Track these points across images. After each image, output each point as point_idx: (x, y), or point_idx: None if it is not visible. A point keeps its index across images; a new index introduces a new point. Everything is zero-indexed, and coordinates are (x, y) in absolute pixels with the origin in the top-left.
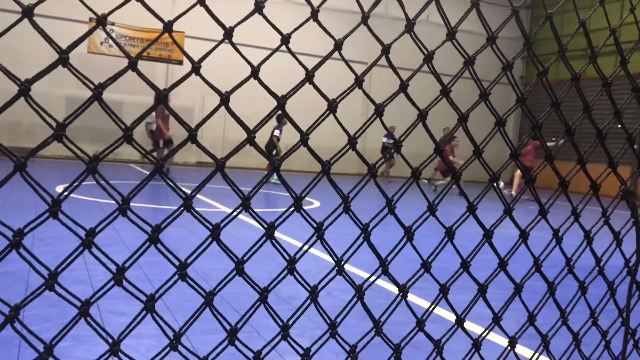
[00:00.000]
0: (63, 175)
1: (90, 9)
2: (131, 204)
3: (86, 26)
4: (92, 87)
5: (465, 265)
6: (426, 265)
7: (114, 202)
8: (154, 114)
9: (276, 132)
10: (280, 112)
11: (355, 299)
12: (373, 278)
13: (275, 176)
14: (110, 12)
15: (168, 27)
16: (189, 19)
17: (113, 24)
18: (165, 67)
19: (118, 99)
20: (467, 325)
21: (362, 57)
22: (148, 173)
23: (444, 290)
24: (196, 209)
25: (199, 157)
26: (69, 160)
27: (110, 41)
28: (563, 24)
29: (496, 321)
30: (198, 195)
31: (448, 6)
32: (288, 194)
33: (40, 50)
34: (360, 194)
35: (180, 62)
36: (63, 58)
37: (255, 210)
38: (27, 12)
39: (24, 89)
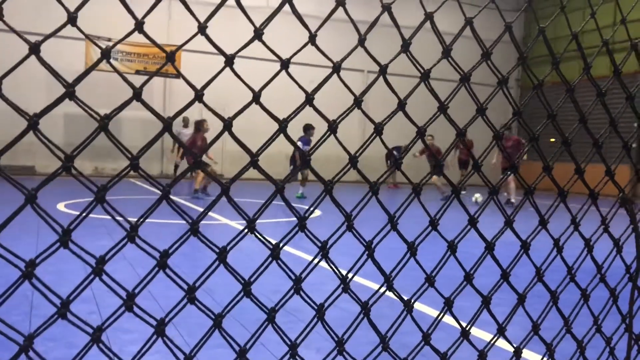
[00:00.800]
0: (64, 193)
1: (97, 44)
2: (133, 218)
3: (77, 42)
4: (98, 118)
5: (468, 278)
6: (430, 280)
7: (117, 219)
8: (190, 135)
9: (299, 145)
10: (307, 123)
11: (361, 316)
12: (378, 294)
13: (299, 190)
14: (115, 45)
15: (170, 57)
16: (185, 32)
17: (109, 39)
18: (162, 81)
19: (120, 115)
20: (473, 331)
21: (358, 64)
22: (144, 186)
23: (448, 303)
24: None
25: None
26: (69, 177)
27: None
28: (556, 27)
29: (501, 332)
30: (200, 208)
31: (441, 12)
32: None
33: (33, 72)
34: (362, 204)
35: (177, 76)
36: (70, 92)
37: (258, 220)
38: (34, 49)
39: (33, 123)
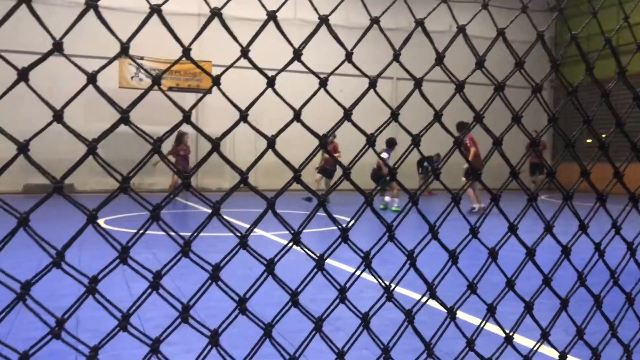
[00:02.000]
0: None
1: (146, 70)
2: (175, 233)
3: (114, 63)
4: (152, 141)
5: (510, 284)
6: (472, 287)
7: (156, 232)
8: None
9: (384, 155)
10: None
11: (405, 324)
12: (422, 302)
13: (396, 204)
14: (164, 72)
15: (216, 81)
16: (215, 47)
17: (142, 58)
18: (195, 97)
19: (150, 131)
20: (515, 337)
21: (386, 72)
22: (177, 200)
23: (491, 309)
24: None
25: (232, 181)
26: (106, 193)
27: (141, 75)
28: (589, 25)
29: (544, 336)
30: (239, 222)
31: (467, 15)
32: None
33: (71, 90)
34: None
35: (209, 91)
36: (125, 117)
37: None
38: (92, 79)
39: (92, 148)
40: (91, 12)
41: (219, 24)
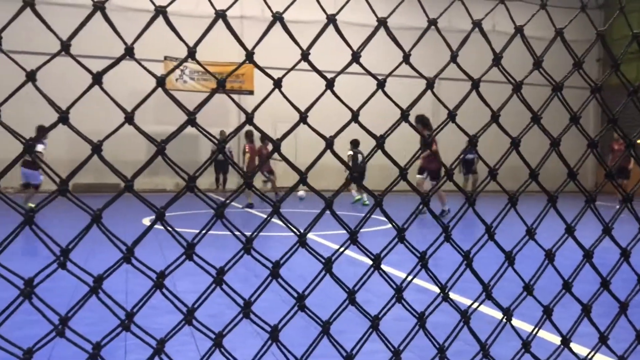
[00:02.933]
0: (145, 208)
1: (212, 74)
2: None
3: (155, 64)
4: (216, 141)
5: (567, 286)
6: (528, 288)
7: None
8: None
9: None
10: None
11: (461, 324)
12: (477, 303)
13: (365, 198)
14: (228, 75)
15: (277, 83)
16: (257, 50)
17: (186, 61)
18: (237, 98)
19: (188, 132)
20: (555, 340)
21: (426, 73)
22: (220, 198)
23: (547, 312)
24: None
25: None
26: (151, 193)
27: (185, 77)
28: (622, 25)
29: (603, 340)
30: (276, 221)
31: (518, 12)
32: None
33: (115, 92)
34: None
35: (251, 92)
36: (191, 119)
37: (338, 232)
38: (161, 83)
39: (161, 148)
40: (130, 16)
41: (261, 28)
